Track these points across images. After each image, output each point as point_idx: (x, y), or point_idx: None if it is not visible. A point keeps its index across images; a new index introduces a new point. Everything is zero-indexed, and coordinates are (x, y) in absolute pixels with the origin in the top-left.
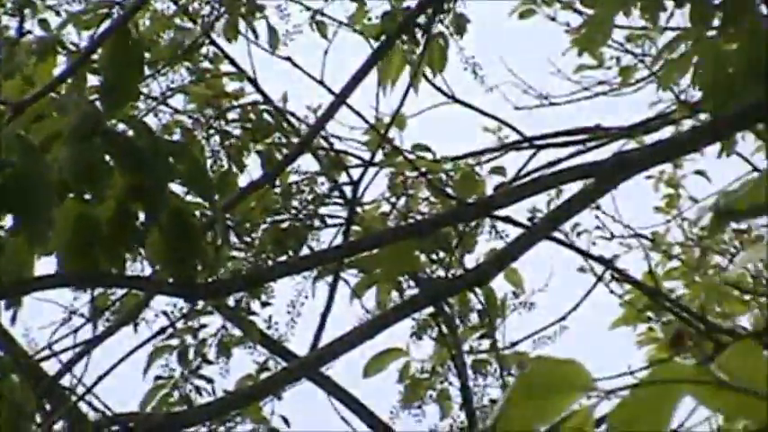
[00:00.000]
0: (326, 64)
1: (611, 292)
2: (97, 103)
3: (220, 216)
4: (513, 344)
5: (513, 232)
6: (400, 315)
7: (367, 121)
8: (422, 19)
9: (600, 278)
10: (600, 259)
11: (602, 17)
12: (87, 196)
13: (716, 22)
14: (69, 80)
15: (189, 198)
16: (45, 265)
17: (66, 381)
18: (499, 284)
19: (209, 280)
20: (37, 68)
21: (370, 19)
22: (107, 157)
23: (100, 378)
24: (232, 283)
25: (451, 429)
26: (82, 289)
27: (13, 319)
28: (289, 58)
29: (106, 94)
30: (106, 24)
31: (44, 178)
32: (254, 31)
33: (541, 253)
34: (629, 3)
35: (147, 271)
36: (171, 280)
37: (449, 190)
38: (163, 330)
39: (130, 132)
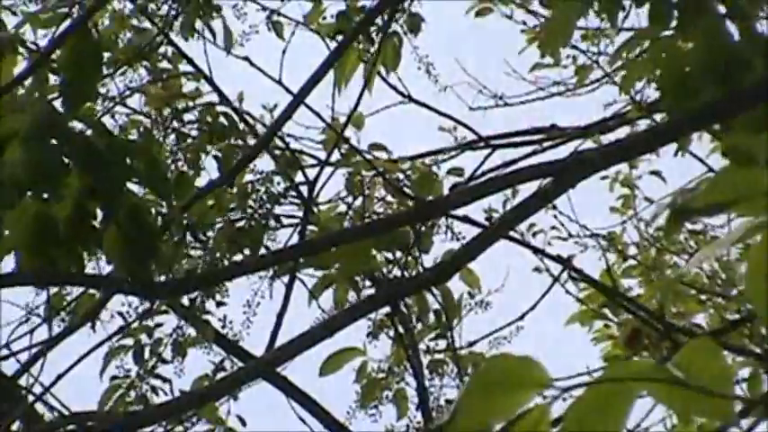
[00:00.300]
0: (283, 64)
1: (567, 292)
2: (56, 103)
3: (176, 215)
4: (471, 344)
5: (470, 233)
6: (357, 314)
7: (324, 120)
8: (377, 18)
9: (557, 278)
10: (557, 258)
11: (563, 19)
12: (45, 195)
13: (673, 23)
14: (29, 80)
15: (146, 197)
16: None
17: (23, 381)
18: (455, 284)
19: (166, 279)
20: None
21: (325, 18)
22: (64, 157)
23: (58, 378)
24: (188, 282)
25: (408, 429)
26: (41, 287)
27: None
28: (246, 58)
29: (65, 93)
30: (66, 24)
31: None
32: (210, 31)
33: (497, 253)
34: (591, 4)
35: (105, 270)
36: (128, 278)
37: (406, 190)
38: (121, 330)
39: (88, 132)
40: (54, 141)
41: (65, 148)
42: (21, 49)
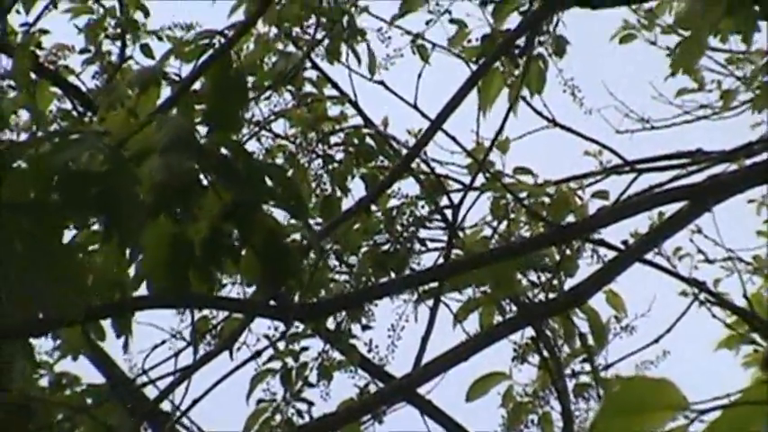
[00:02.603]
0: (426, 86)
1: (714, 316)
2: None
3: (315, 238)
4: (613, 363)
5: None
6: (498, 336)
7: (462, 146)
8: (521, 41)
9: (695, 300)
10: (694, 282)
11: (695, 35)
12: (179, 217)
13: None
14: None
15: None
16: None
17: (166, 405)
18: (601, 309)
19: (309, 302)
20: (140, 100)
21: (469, 41)
22: (201, 177)
23: (195, 401)
24: (331, 303)
25: None
26: (182, 310)
27: (126, 347)
28: (382, 83)
29: (210, 122)
30: (208, 54)
31: (134, 189)
32: (355, 55)
33: (644, 277)
34: (722, 22)
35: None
36: (268, 302)
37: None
38: (259, 353)
39: (226, 152)
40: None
41: (202, 164)
42: (162, 81)
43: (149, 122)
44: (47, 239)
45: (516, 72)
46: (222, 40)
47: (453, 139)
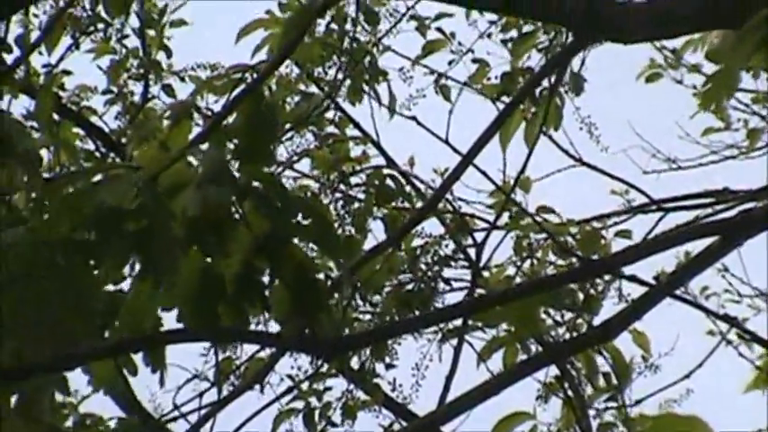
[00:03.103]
0: (442, 122)
1: (741, 355)
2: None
3: (346, 275)
4: (638, 402)
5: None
6: (523, 374)
7: (494, 182)
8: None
9: (724, 337)
10: (724, 317)
11: (727, 70)
12: (211, 251)
13: None
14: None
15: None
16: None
17: None
18: (625, 347)
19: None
20: (171, 134)
21: (489, 79)
22: (233, 210)
23: None
24: (357, 339)
25: None
26: (211, 345)
27: (161, 382)
28: (414, 118)
29: (241, 158)
30: (239, 89)
31: (169, 224)
32: (376, 96)
33: (669, 316)
34: (753, 58)
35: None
36: (297, 337)
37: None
38: (288, 391)
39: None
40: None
41: (236, 195)
42: (195, 116)
43: (182, 156)
44: (80, 276)
45: (534, 109)
46: (254, 75)
47: (484, 174)
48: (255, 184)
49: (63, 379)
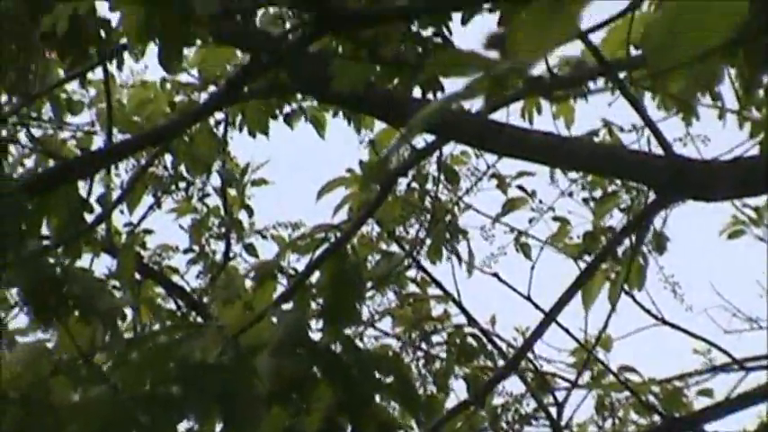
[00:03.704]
0: (522, 279)
1: None
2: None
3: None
4: None
5: None
6: None
7: (577, 340)
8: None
9: None
10: None
11: None
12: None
13: None
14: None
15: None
16: None
17: None
18: None
19: None
20: (255, 294)
21: (571, 238)
22: (312, 369)
23: None
24: None
25: None
26: None
27: None
28: (496, 275)
29: (326, 316)
30: (322, 248)
31: (252, 381)
32: (456, 255)
33: None
34: None
35: None
36: None
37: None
38: None
39: (336, 347)
40: (302, 354)
41: (312, 360)
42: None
43: (265, 316)
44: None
45: (617, 268)
46: (337, 235)
47: (567, 331)
48: (333, 345)
49: None
